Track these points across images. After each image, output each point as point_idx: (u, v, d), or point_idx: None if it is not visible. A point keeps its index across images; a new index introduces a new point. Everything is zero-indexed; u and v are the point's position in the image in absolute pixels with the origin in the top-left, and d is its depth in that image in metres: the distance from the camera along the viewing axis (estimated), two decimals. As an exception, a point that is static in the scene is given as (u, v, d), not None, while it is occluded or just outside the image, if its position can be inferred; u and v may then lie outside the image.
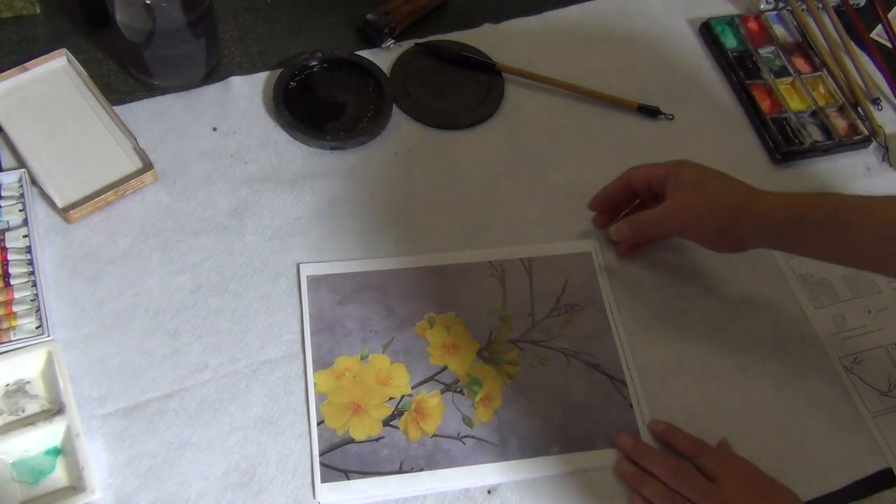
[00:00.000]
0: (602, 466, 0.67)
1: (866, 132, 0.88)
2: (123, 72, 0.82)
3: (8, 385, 0.64)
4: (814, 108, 0.89)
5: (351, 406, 0.67)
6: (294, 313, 0.70)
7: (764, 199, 0.67)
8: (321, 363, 0.68)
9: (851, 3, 0.98)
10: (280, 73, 0.82)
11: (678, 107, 0.88)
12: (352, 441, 0.65)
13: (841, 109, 0.90)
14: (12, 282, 0.67)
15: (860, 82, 0.92)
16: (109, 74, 0.82)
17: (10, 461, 0.61)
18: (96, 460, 0.62)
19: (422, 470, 0.65)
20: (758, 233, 0.68)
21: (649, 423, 0.68)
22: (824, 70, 0.92)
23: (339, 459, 0.64)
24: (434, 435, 0.66)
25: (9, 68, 0.77)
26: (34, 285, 0.67)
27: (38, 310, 0.66)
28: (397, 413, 0.67)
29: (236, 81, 0.83)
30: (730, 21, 0.95)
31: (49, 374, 0.65)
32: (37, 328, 0.66)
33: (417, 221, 0.77)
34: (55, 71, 0.79)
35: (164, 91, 0.81)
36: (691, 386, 0.71)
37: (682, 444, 0.67)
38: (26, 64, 0.78)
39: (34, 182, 0.73)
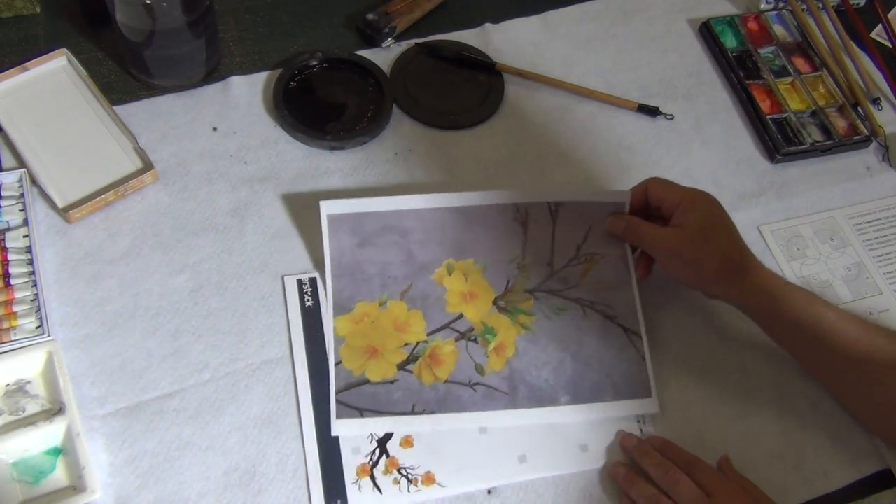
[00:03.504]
0: (609, 418, 0.68)
1: (866, 132, 0.88)
2: (123, 72, 0.82)
3: (8, 385, 0.64)
4: (814, 108, 0.89)
5: (368, 350, 0.68)
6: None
7: (753, 279, 0.67)
8: (341, 308, 0.70)
9: (851, 3, 0.98)
10: (280, 73, 0.82)
11: (678, 107, 0.88)
12: (367, 382, 0.67)
13: (841, 109, 0.90)
14: (12, 282, 0.68)
15: (860, 82, 0.92)
16: (109, 74, 0.82)
17: (11, 461, 0.61)
18: (96, 460, 0.62)
19: (433, 413, 0.67)
20: (733, 302, 0.69)
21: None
22: (824, 70, 0.92)
23: (355, 398, 0.66)
24: (446, 381, 0.68)
25: (9, 68, 0.77)
26: (34, 285, 0.67)
27: (39, 310, 0.66)
28: (412, 358, 0.68)
29: (236, 81, 0.83)
30: (730, 21, 0.95)
31: (49, 373, 0.65)
32: (37, 328, 0.66)
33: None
34: (55, 71, 0.79)
35: (164, 91, 0.81)
36: (691, 386, 0.71)
37: (676, 458, 0.65)
38: (26, 64, 0.78)
39: (34, 182, 0.73)
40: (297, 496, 0.63)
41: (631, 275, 0.73)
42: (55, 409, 0.63)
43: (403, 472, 0.65)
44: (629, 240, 0.73)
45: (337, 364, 0.68)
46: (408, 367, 0.68)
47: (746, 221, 0.80)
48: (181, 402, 0.66)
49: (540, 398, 0.68)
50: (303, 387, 0.67)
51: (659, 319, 0.74)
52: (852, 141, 0.88)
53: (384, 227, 0.72)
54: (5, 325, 0.66)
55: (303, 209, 0.76)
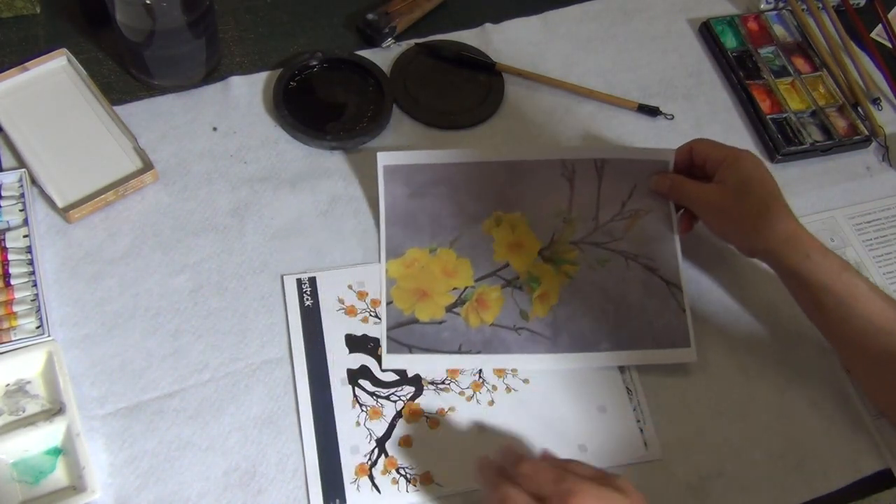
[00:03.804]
0: (647, 365, 0.70)
1: (866, 132, 0.88)
2: (123, 72, 0.82)
3: (8, 385, 0.64)
4: (814, 108, 0.89)
5: (418, 292, 0.72)
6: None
7: (791, 236, 0.68)
8: (393, 252, 0.73)
9: (851, 3, 0.98)
10: (280, 73, 0.82)
11: (678, 107, 0.88)
12: (416, 321, 0.71)
13: (841, 109, 0.90)
14: (12, 282, 0.68)
15: (860, 82, 0.92)
16: (109, 74, 0.82)
17: (11, 461, 0.61)
18: (96, 460, 0.62)
19: (479, 353, 0.70)
20: (769, 258, 0.70)
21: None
22: (824, 70, 0.92)
23: (404, 335, 0.70)
24: (492, 324, 0.71)
25: (9, 68, 0.77)
26: (34, 285, 0.68)
27: (39, 310, 0.67)
28: (460, 302, 0.72)
29: (236, 81, 0.83)
30: (730, 21, 0.95)
31: (49, 373, 0.65)
32: (37, 328, 0.66)
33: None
34: (55, 71, 0.79)
35: (164, 91, 0.81)
36: (691, 387, 0.71)
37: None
38: (26, 64, 0.78)
39: (34, 182, 0.73)
40: (297, 496, 0.63)
41: (674, 231, 0.75)
42: (55, 409, 0.63)
43: (402, 471, 0.65)
44: (673, 198, 0.75)
45: (389, 304, 0.71)
46: (455, 309, 0.71)
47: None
48: (181, 402, 0.66)
49: (581, 344, 0.70)
50: (302, 387, 0.67)
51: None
52: (852, 141, 0.87)
53: (436, 179, 0.76)
54: (5, 325, 0.66)
55: (303, 209, 0.76)
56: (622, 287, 0.73)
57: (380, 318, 0.71)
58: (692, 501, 0.66)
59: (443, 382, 0.69)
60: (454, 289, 0.72)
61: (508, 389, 0.70)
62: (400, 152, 0.76)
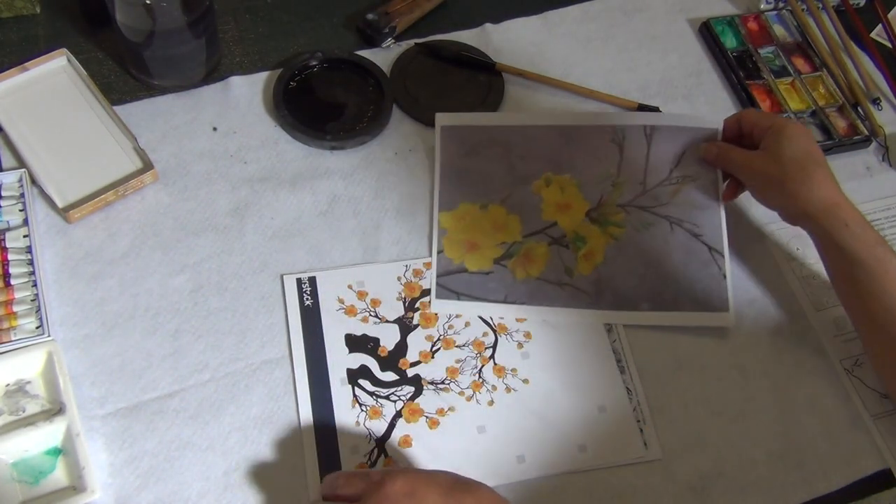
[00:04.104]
0: (685, 327, 0.73)
1: (866, 132, 0.88)
2: (123, 72, 0.82)
3: (8, 385, 0.64)
4: (814, 108, 0.89)
5: (468, 243, 0.75)
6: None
7: (833, 202, 0.69)
8: (445, 206, 0.77)
9: (851, 3, 0.98)
10: (280, 73, 0.82)
11: (678, 107, 0.88)
12: (465, 271, 0.74)
13: (841, 109, 0.90)
14: (12, 282, 0.68)
15: (860, 82, 0.92)
16: (109, 74, 0.82)
17: (11, 461, 0.61)
18: (96, 460, 0.62)
19: (523, 304, 0.73)
20: (810, 224, 0.71)
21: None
22: (824, 70, 0.92)
23: (453, 283, 0.73)
24: (537, 278, 0.74)
25: (9, 68, 0.77)
26: (34, 285, 0.68)
27: (39, 310, 0.67)
28: (507, 255, 0.75)
29: (236, 81, 0.83)
30: (730, 21, 0.95)
31: (49, 373, 0.65)
32: (37, 328, 0.66)
33: (418, 222, 0.77)
34: (55, 71, 0.79)
35: (164, 91, 0.81)
36: (691, 386, 0.71)
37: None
38: (26, 64, 0.78)
39: (34, 182, 0.73)
40: (297, 496, 0.63)
41: (720, 198, 0.77)
42: (55, 409, 0.63)
43: (403, 472, 0.65)
44: (720, 165, 0.77)
45: (439, 252, 0.75)
46: (503, 262, 0.74)
47: (746, 221, 0.81)
48: (181, 402, 0.66)
49: (622, 303, 0.73)
50: (301, 387, 0.67)
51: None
52: (852, 141, 0.88)
53: (490, 140, 0.80)
54: (5, 325, 0.66)
55: (303, 209, 0.76)
56: (665, 250, 0.75)
57: (379, 318, 0.71)
58: (692, 501, 0.66)
59: (442, 382, 0.69)
60: (502, 243, 0.75)
61: (508, 389, 0.70)
62: (457, 114, 0.81)
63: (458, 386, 0.69)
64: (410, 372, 0.69)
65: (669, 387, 0.71)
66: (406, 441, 0.66)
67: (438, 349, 0.71)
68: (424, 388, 0.69)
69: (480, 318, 0.72)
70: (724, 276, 0.74)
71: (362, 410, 0.67)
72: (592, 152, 0.79)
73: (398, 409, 0.68)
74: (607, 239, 0.75)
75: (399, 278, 0.74)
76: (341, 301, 0.72)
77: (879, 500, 0.70)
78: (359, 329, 0.71)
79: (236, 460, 0.64)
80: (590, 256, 0.75)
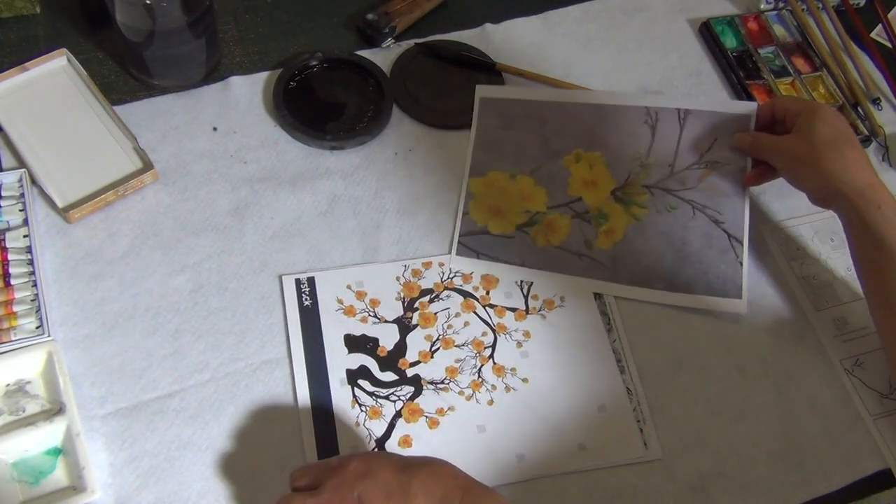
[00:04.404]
0: (697, 309, 0.74)
1: (866, 132, 0.88)
2: (123, 72, 0.82)
3: (8, 385, 0.64)
4: (814, 108, 0.89)
5: (493, 209, 0.77)
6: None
7: (865, 183, 0.69)
8: (476, 172, 0.79)
9: (851, 3, 0.98)
10: (280, 73, 0.82)
11: (678, 107, 0.88)
12: (487, 233, 0.76)
13: (841, 109, 0.90)
14: (12, 282, 0.68)
15: (860, 82, 0.92)
16: (109, 74, 0.82)
17: (11, 461, 0.61)
18: (96, 460, 0.62)
19: (541, 269, 0.75)
20: (840, 204, 0.71)
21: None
22: (824, 70, 0.92)
23: (474, 243, 0.76)
24: (557, 246, 0.76)
25: (9, 68, 0.77)
26: (34, 285, 0.68)
27: (39, 310, 0.67)
28: (531, 223, 0.77)
29: (236, 81, 0.83)
30: (730, 21, 0.95)
31: (49, 374, 0.65)
32: (37, 328, 0.66)
33: (417, 222, 0.77)
34: (55, 71, 0.79)
35: (164, 91, 0.81)
36: (691, 386, 0.71)
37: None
38: (26, 64, 0.78)
39: (34, 182, 0.73)
40: (297, 496, 0.63)
41: (746, 188, 0.78)
42: (55, 409, 0.63)
43: (403, 471, 0.65)
44: (753, 153, 0.78)
45: (465, 214, 0.77)
46: (526, 228, 0.77)
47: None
48: (181, 402, 0.66)
49: (638, 279, 0.75)
50: (301, 387, 0.67)
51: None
52: (852, 141, 0.87)
53: (526, 114, 0.82)
54: (5, 325, 0.66)
55: (303, 209, 0.76)
56: (685, 234, 0.76)
57: (378, 319, 0.71)
58: (692, 501, 0.66)
59: (442, 382, 0.69)
60: (527, 211, 0.77)
61: (508, 389, 0.70)
62: (496, 87, 0.84)
63: (457, 386, 0.69)
64: (410, 372, 0.69)
65: (669, 387, 0.71)
66: (406, 441, 0.66)
67: (438, 349, 0.71)
68: (424, 387, 0.69)
69: (480, 317, 0.72)
70: (741, 265, 0.75)
71: (362, 411, 0.67)
72: (624, 132, 0.80)
73: (398, 409, 0.68)
74: (629, 219, 0.77)
75: (398, 278, 0.74)
76: (340, 301, 0.72)
77: (879, 500, 0.70)
78: (358, 329, 0.71)
79: (236, 460, 0.64)
80: (610, 233, 0.76)
